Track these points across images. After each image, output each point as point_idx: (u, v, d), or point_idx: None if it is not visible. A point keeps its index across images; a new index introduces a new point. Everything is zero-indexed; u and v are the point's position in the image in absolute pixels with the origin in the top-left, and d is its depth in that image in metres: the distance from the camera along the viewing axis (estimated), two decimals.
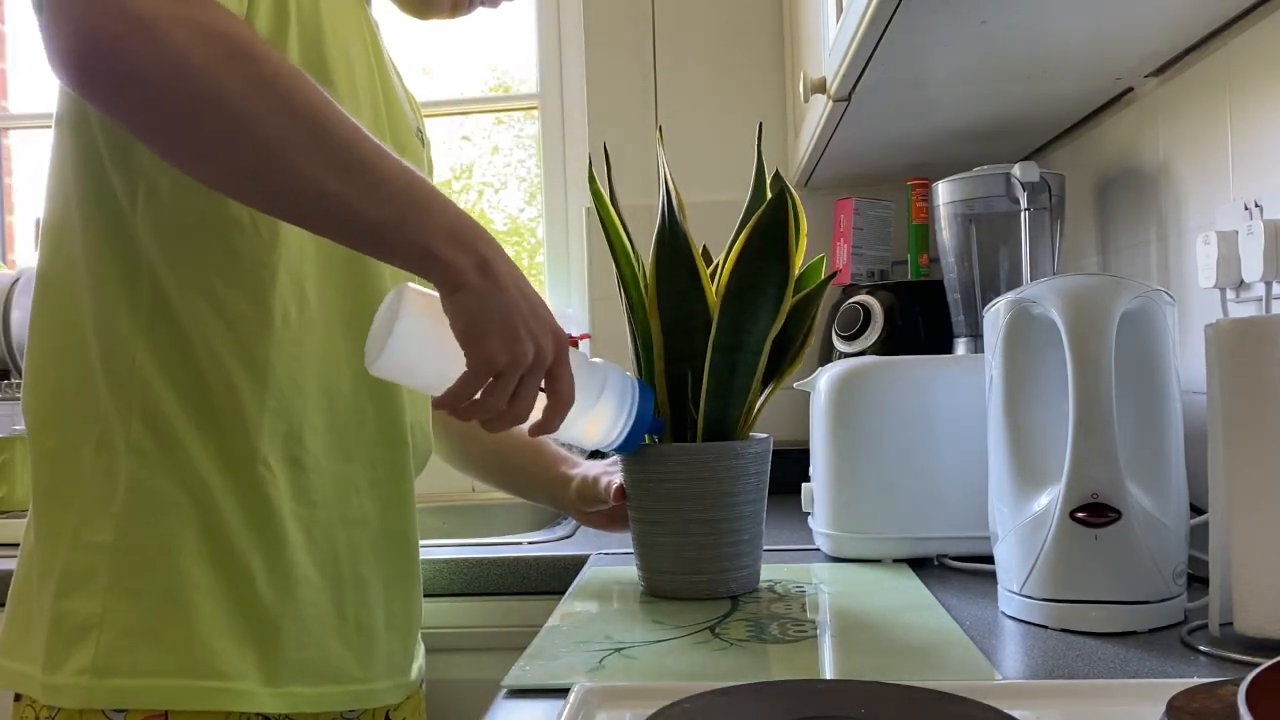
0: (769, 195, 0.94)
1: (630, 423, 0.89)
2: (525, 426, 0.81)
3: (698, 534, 0.93)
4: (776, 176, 1.02)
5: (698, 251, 0.94)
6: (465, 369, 0.75)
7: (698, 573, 0.93)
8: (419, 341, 0.76)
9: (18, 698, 0.82)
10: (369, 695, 0.87)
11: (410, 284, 0.79)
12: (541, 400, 0.80)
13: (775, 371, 0.97)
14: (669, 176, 0.96)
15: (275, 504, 0.81)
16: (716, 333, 0.92)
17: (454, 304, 0.73)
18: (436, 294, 0.75)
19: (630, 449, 0.93)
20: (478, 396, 0.77)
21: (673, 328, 0.95)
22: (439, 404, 0.78)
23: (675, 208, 0.95)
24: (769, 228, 0.91)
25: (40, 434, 0.82)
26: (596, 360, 0.90)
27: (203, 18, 0.66)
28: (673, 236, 0.94)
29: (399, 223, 0.70)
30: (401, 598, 0.91)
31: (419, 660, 0.97)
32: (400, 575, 0.91)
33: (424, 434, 0.97)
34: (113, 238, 0.80)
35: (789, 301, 0.93)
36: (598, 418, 0.88)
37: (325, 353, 0.84)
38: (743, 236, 0.92)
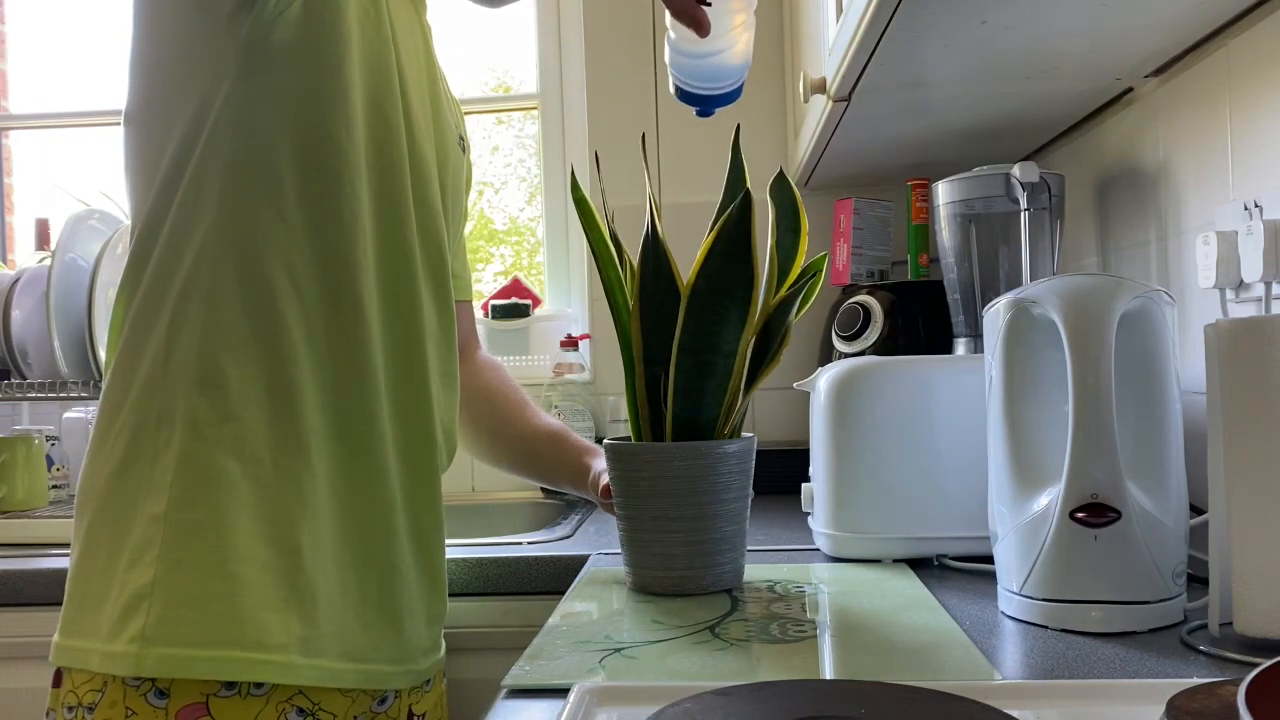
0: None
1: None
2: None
3: (665, 530, 0.94)
4: (780, 175, 1.03)
5: (673, 257, 0.96)
6: None
7: (669, 569, 0.94)
8: None
9: (57, 682, 0.83)
10: (379, 676, 0.88)
11: None
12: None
13: (757, 374, 0.97)
14: (649, 183, 0.99)
15: (322, 479, 0.83)
16: (681, 334, 0.93)
17: None
18: None
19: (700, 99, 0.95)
20: None
21: (653, 330, 0.96)
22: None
23: (655, 215, 0.96)
24: (732, 230, 0.92)
25: (116, 415, 0.84)
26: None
27: None
28: (653, 242, 0.96)
29: None
30: (427, 588, 0.93)
31: (438, 654, 0.98)
32: (427, 566, 0.93)
33: (450, 434, 0.99)
34: (200, 205, 0.82)
35: (759, 305, 0.94)
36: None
37: (368, 339, 0.87)
38: (708, 239, 0.93)
